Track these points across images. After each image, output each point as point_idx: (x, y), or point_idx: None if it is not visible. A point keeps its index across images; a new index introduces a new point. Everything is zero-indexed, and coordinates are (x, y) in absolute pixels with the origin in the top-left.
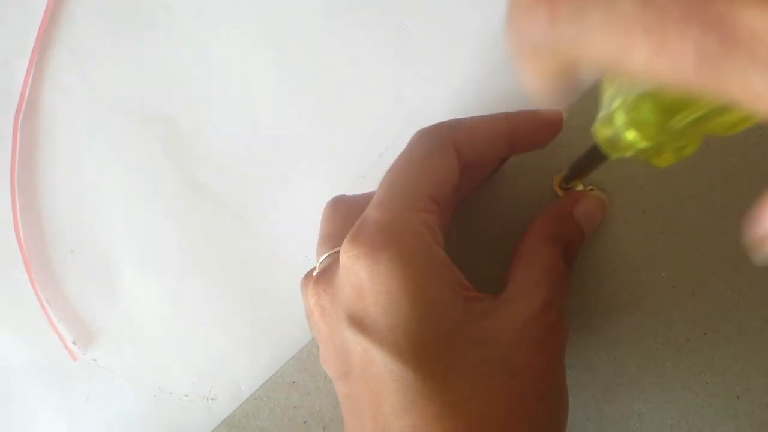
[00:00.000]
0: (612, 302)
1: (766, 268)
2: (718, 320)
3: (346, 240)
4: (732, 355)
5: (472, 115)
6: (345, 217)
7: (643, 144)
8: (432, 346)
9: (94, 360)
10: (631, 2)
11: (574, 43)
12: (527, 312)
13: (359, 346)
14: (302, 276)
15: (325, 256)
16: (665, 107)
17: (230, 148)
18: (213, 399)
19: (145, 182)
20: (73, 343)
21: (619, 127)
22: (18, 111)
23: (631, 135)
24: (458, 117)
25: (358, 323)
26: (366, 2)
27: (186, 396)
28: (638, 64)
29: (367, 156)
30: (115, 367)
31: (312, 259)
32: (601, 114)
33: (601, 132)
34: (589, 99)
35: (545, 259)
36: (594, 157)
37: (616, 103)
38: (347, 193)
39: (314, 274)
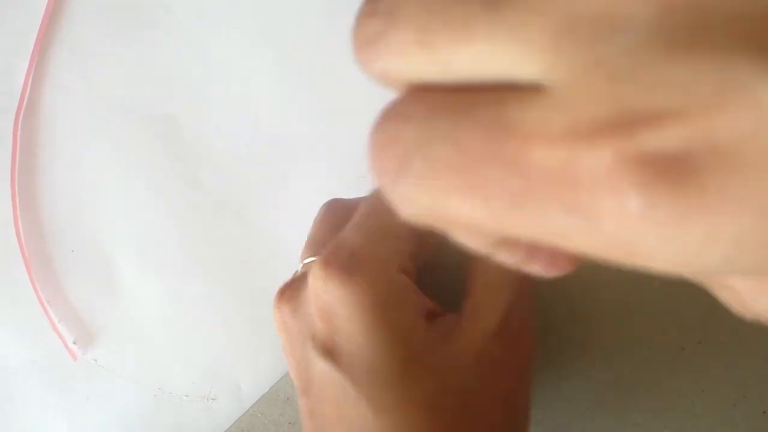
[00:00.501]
0: (606, 312)
1: None
2: (713, 328)
3: (318, 261)
4: (727, 363)
5: None
6: (335, 222)
7: None
8: (388, 377)
9: (95, 360)
10: (446, 152)
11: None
12: (487, 329)
13: (319, 367)
14: None
15: (306, 260)
16: None
17: (231, 147)
18: (213, 399)
19: (146, 182)
20: (74, 342)
21: None
22: (18, 111)
23: None
24: None
25: (321, 346)
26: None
27: (186, 396)
28: (463, 216)
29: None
30: (116, 366)
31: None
32: None
33: None
34: None
35: (499, 276)
36: None
37: None
38: (348, 193)
39: (288, 281)
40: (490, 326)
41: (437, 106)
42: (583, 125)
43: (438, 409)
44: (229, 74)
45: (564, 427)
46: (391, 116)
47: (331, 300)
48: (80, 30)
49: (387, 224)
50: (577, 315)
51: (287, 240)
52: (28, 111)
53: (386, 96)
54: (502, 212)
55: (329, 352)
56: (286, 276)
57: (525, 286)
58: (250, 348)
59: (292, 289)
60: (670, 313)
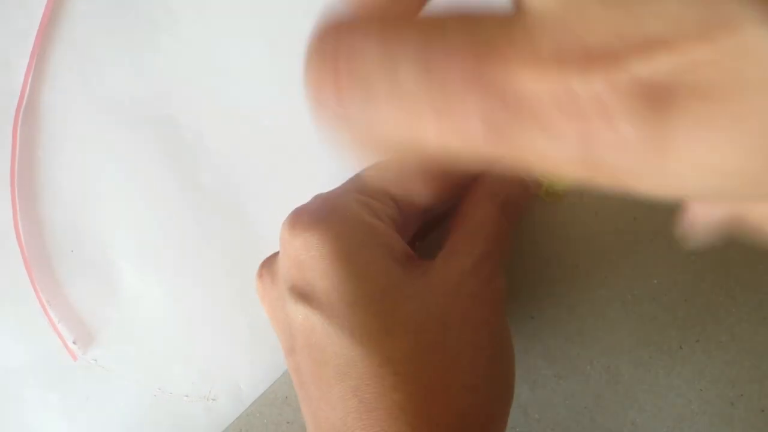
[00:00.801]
0: (604, 311)
1: (757, 273)
2: (711, 326)
3: (286, 217)
4: (725, 362)
5: None
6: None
7: None
8: (367, 304)
9: (95, 360)
10: (413, 74)
11: (367, 121)
12: (463, 267)
13: (300, 315)
14: None
15: None
16: None
17: (230, 147)
18: (213, 399)
19: (146, 182)
20: (74, 343)
21: None
22: (18, 111)
23: None
24: None
25: (298, 293)
26: None
27: (186, 396)
28: (431, 139)
29: None
30: (116, 367)
31: None
32: None
33: None
34: None
35: (481, 215)
36: None
37: None
38: None
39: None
40: (465, 266)
41: (400, 26)
42: (575, 52)
43: (421, 329)
44: (229, 75)
45: (562, 426)
46: (342, 29)
47: (300, 246)
48: (80, 29)
49: (363, 188)
50: (575, 313)
51: None
52: (28, 110)
53: None
54: (479, 137)
55: (305, 296)
56: None
57: (502, 236)
58: (249, 348)
59: (270, 261)
60: (669, 312)
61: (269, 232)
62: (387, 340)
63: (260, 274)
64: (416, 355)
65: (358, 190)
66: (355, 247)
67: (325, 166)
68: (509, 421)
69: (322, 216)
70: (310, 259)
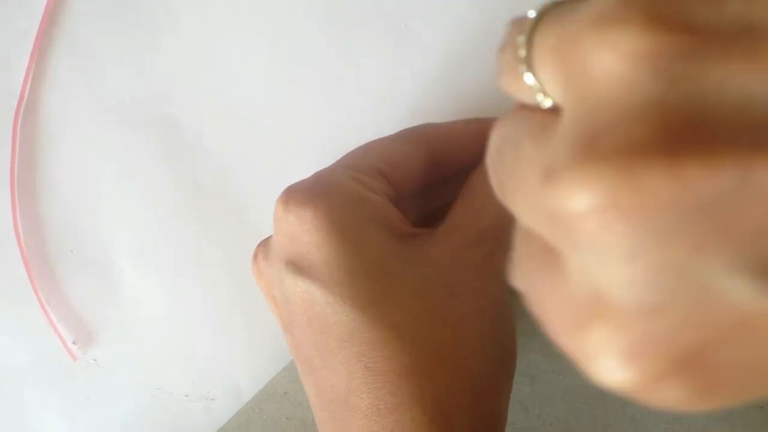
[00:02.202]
0: None
1: None
2: None
3: (280, 195)
4: None
5: (471, 117)
6: None
7: None
8: (368, 272)
9: (94, 360)
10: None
11: None
12: (464, 239)
13: (299, 288)
14: None
15: None
16: None
17: (230, 147)
18: (213, 399)
19: (146, 182)
20: (73, 343)
21: None
22: (18, 111)
23: None
24: (458, 117)
25: (295, 266)
26: (366, 2)
27: (186, 396)
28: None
29: None
30: (115, 367)
31: None
32: None
33: None
34: None
35: (487, 190)
36: None
37: None
38: None
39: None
40: (468, 238)
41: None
42: None
43: (424, 295)
44: (229, 75)
45: (562, 422)
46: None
47: (295, 220)
48: (80, 29)
49: (353, 166)
50: None
51: None
52: (28, 110)
53: (386, 98)
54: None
55: (302, 269)
56: None
57: (507, 212)
58: (249, 348)
59: (264, 242)
60: None
61: (269, 232)
62: (390, 306)
63: (255, 255)
64: (422, 319)
65: (348, 167)
66: (350, 219)
67: (325, 165)
68: (508, 417)
69: (316, 190)
70: (306, 232)
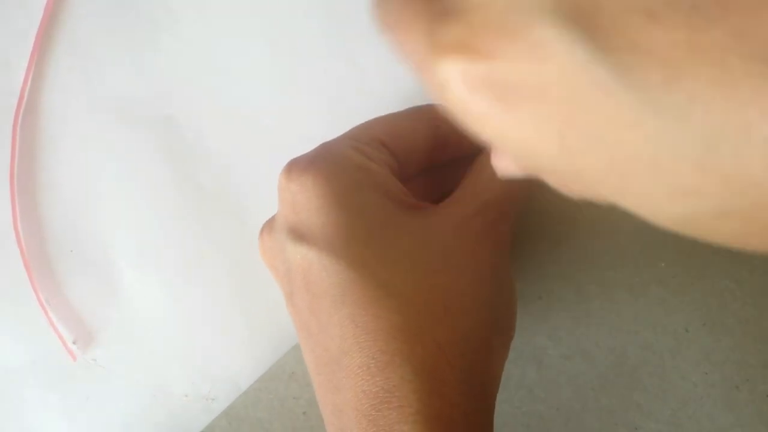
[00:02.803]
0: (611, 293)
1: (765, 258)
2: (717, 310)
3: (284, 166)
4: (731, 346)
5: None
6: None
7: None
8: (364, 237)
9: (94, 360)
10: None
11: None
12: (465, 210)
13: (298, 254)
14: None
15: None
16: None
17: (230, 148)
18: (213, 399)
19: (145, 182)
20: (73, 342)
21: None
22: (18, 110)
23: None
24: None
25: (296, 233)
26: (365, 4)
27: (186, 396)
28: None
29: None
30: (115, 366)
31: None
32: None
33: None
34: None
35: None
36: None
37: None
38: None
39: None
40: (470, 208)
41: None
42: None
43: (420, 262)
44: (229, 75)
45: (567, 407)
46: None
47: (296, 188)
48: (80, 29)
49: (355, 137)
50: (583, 294)
51: None
52: (28, 110)
53: (385, 98)
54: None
55: (302, 236)
56: None
57: (514, 190)
58: (248, 348)
59: (270, 219)
60: (675, 295)
61: None
62: (383, 267)
63: (260, 232)
64: (415, 281)
65: (351, 138)
66: (350, 186)
67: None
68: (514, 401)
69: (317, 159)
70: (306, 199)
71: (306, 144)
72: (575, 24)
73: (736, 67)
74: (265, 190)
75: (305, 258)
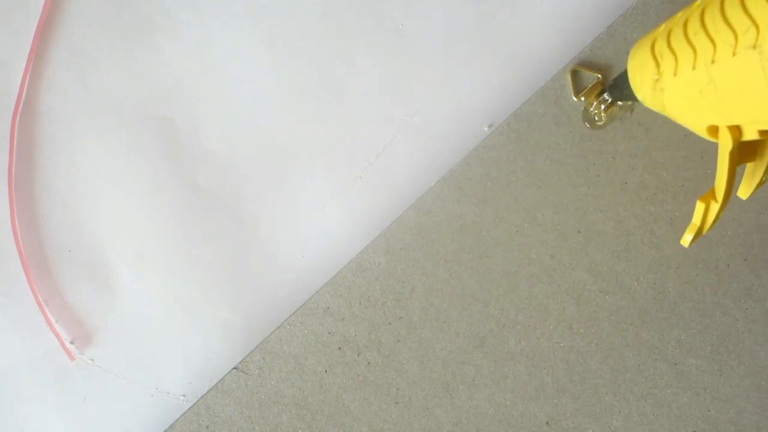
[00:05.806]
0: (652, 227)
1: None
2: (758, 245)
3: None
4: None
5: (471, 116)
6: None
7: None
8: None
9: (92, 360)
10: None
11: None
12: None
13: None
14: (300, 275)
15: None
16: None
17: (228, 148)
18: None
19: (143, 183)
20: (71, 342)
21: None
22: (16, 111)
23: None
24: (457, 116)
25: None
26: (362, 4)
27: (183, 396)
28: None
29: (365, 156)
30: (113, 366)
31: (308, 258)
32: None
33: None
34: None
35: None
36: (623, 81)
37: None
38: (346, 194)
39: None
40: None
41: None
42: None
43: None
44: (226, 76)
45: (606, 342)
46: None
47: None
48: (77, 30)
49: None
50: (623, 229)
51: (284, 241)
52: (26, 111)
53: (383, 98)
54: None
55: None
56: (285, 275)
57: None
58: (247, 349)
59: None
60: (716, 230)
61: (269, 232)
62: None
63: None
64: None
65: None
66: None
67: (324, 166)
68: (553, 336)
69: None
70: None
71: (305, 144)
72: None
73: None
74: (264, 191)
75: None
